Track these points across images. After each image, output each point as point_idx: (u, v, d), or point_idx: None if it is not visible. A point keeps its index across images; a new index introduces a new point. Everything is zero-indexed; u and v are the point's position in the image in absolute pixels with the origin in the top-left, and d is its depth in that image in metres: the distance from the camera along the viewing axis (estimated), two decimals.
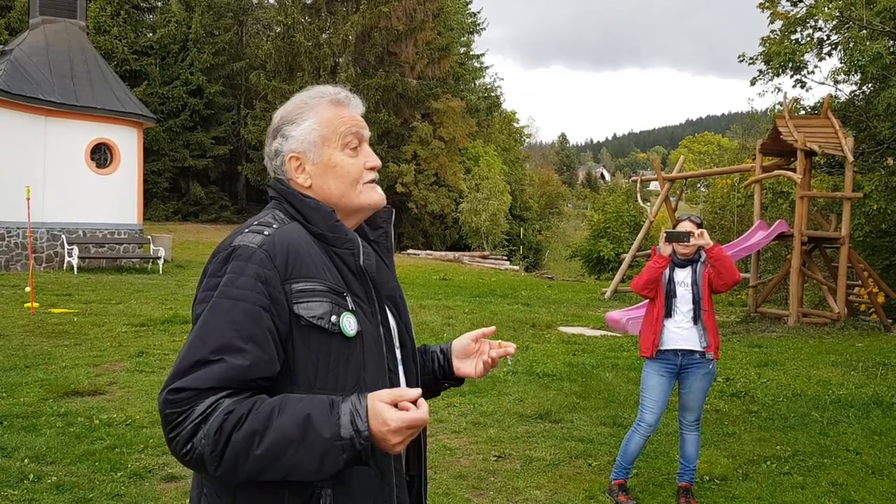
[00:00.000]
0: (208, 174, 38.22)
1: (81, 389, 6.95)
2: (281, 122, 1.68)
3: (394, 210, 1.81)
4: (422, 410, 1.38)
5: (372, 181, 1.68)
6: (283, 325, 1.47)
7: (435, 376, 1.88)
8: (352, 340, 1.52)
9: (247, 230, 1.55)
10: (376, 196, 1.68)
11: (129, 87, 23.76)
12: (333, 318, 1.50)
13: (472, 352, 1.86)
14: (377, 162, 1.69)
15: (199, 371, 1.40)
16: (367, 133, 1.70)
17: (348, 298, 1.55)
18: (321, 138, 1.64)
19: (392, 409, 1.37)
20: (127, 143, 20.48)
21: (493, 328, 1.89)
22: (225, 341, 1.42)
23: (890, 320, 13.86)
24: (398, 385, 1.64)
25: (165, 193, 36.04)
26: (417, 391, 1.40)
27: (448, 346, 1.90)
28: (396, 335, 1.69)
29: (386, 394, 1.39)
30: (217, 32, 38.28)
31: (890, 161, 17.50)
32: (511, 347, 1.87)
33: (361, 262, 1.60)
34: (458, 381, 1.90)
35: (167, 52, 35.91)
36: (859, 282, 14.16)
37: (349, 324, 1.52)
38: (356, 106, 1.72)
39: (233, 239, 1.55)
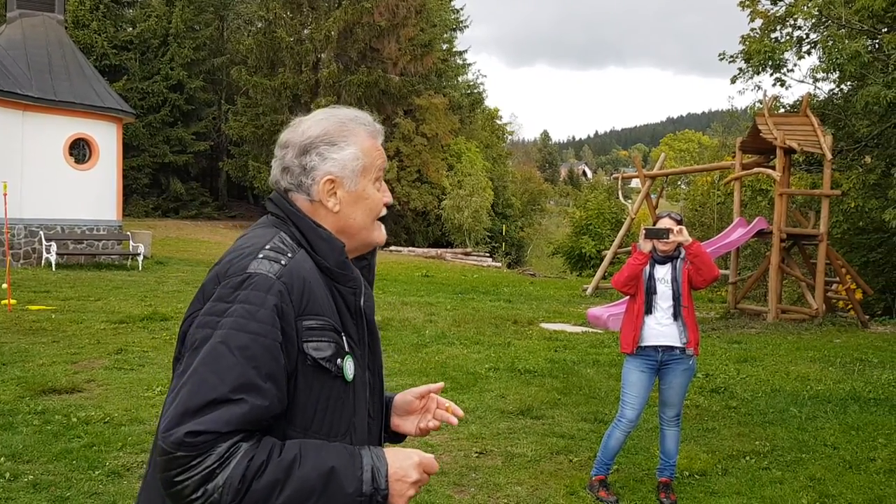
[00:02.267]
0: (188, 170, 37.94)
1: (59, 387, 6.87)
2: (319, 140, 1.58)
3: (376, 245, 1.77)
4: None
5: (382, 218, 1.66)
6: (291, 363, 1.41)
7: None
8: (349, 384, 1.49)
9: (261, 256, 1.45)
10: (382, 235, 1.67)
11: (109, 82, 23.54)
12: (339, 360, 1.46)
13: (415, 409, 1.76)
14: (391, 199, 1.68)
15: (218, 411, 1.31)
16: (386, 167, 1.70)
17: (345, 339, 1.50)
18: (362, 168, 1.60)
19: (417, 469, 1.43)
20: (106, 138, 20.28)
21: (440, 385, 1.79)
22: (246, 380, 1.34)
23: (867, 316, 14.03)
24: (376, 431, 1.65)
25: (145, 189, 35.73)
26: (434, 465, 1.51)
27: (390, 399, 1.78)
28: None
29: (417, 458, 1.45)
30: (198, 27, 37.98)
31: (868, 159, 17.70)
32: (456, 414, 1.74)
33: (362, 304, 1.55)
34: (395, 437, 1.79)
35: (147, 47, 35.56)
36: (837, 278, 14.32)
37: (350, 368, 1.49)
38: (382, 137, 1.71)
39: (246, 264, 1.44)
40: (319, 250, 1.52)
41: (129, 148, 31.08)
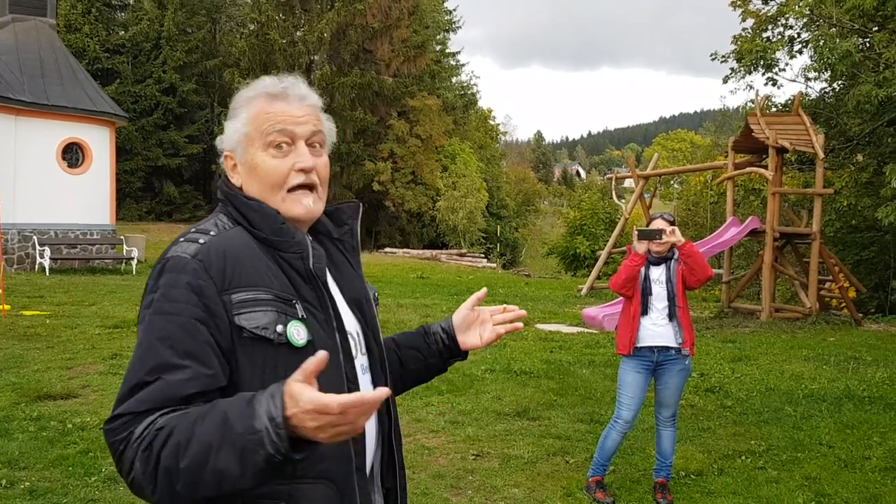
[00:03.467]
0: (182, 173, 37.82)
1: (54, 393, 6.85)
2: (227, 116, 1.60)
3: (360, 205, 1.71)
4: (345, 396, 1.16)
5: (301, 186, 1.52)
6: (225, 339, 1.38)
7: (441, 357, 1.82)
8: (301, 350, 1.40)
9: (182, 239, 1.46)
10: (298, 209, 1.52)
11: (101, 86, 23.46)
12: (279, 327, 1.40)
13: (472, 321, 1.81)
14: (307, 163, 1.51)
15: (136, 394, 1.31)
16: (302, 130, 1.53)
17: (298, 306, 1.44)
18: (246, 137, 1.53)
19: (308, 389, 1.18)
20: (99, 142, 20.23)
21: (483, 291, 1.82)
22: (161, 360, 1.33)
23: (861, 315, 14.09)
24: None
25: (138, 193, 35.62)
26: (354, 397, 1.17)
27: (448, 322, 1.83)
28: (362, 341, 1.60)
29: (299, 373, 1.20)
30: (190, 30, 37.89)
31: (859, 158, 17.78)
32: (515, 312, 1.81)
33: (311, 266, 1.49)
34: (465, 354, 1.84)
35: (139, 50, 35.47)
36: (830, 277, 14.37)
37: (297, 333, 1.41)
38: (297, 98, 1.55)
39: (168, 250, 1.46)
40: (254, 222, 1.49)
41: (122, 152, 30.98)
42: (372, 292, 1.74)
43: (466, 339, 1.80)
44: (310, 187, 1.54)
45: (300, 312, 1.44)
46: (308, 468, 1.37)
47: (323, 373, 1.37)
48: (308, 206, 1.53)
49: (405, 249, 33.16)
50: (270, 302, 1.41)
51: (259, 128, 1.52)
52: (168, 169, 35.95)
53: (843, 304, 14.27)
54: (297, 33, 34.75)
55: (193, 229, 1.49)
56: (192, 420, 1.25)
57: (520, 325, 1.81)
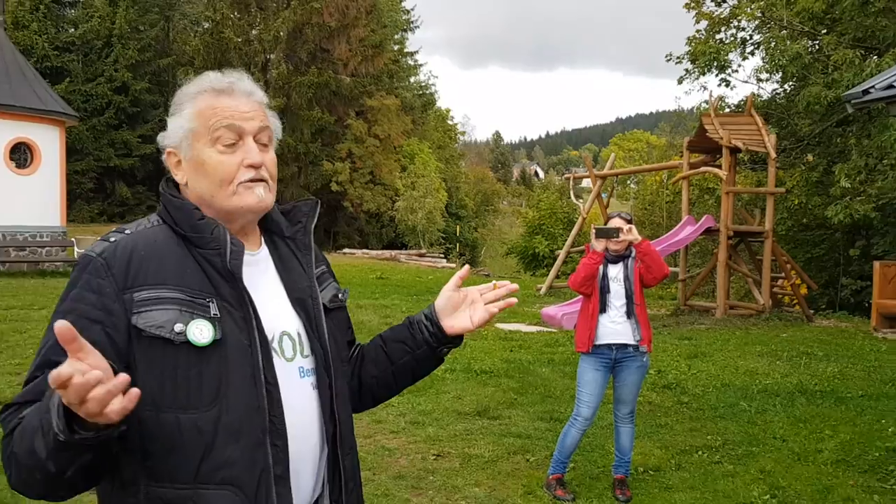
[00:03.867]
0: (135, 174, 37.07)
1: (3, 399, 6.65)
2: (169, 114, 1.55)
3: (318, 203, 1.65)
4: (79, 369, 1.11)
5: (252, 181, 1.48)
6: (121, 339, 1.34)
7: (429, 346, 1.71)
8: (205, 350, 1.35)
9: (100, 239, 1.45)
10: (250, 198, 1.48)
11: (51, 85, 22.89)
12: (178, 326, 1.34)
13: (458, 302, 1.69)
14: (256, 158, 1.48)
15: (25, 388, 1.34)
16: (250, 126, 1.49)
17: (213, 304, 1.39)
18: (191, 133, 1.49)
19: (63, 364, 1.13)
20: (48, 142, 19.72)
21: (466, 268, 1.73)
22: (47, 357, 1.33)
23: (812, 311, 14.41)
24: (278, 399, 1.42)
25: (90, 194, 34.83)
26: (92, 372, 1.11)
27: (431, 308, 1.72)
28: (304, 342, 1.52)
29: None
30: (142, 28, 37.17)
31: (810, 157, 18.23)
32: (507, 287, 1.70)
33: (228, 263, 1.43)
34: (458, 340, 1.72)
35: (90, 49, 34.68)
36: (783, 274, 14.68)
37: (199, 332, 1.35)
38: (244, 93, 1.52)
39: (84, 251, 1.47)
40: (176, 219, 1.47)
41: (73, 152, 30.28)
42: (342, 293, 1.69)
43: (454, 323, 1.68)
44: (265, 180, 1.51)
45: (213, 311, 1.39)
46: (211, 474, 1.33)
47: (234, 374, 1.38)
48: (260, 195, 1.49)
49: (364, 250, 33.01)
50: (174, 300, 1.37)
51: (205, 123, 1.48)
52: (121, 169, 35.23)
53: (795, 301, 14.59)
54: (253, 32, 34.37)
55: (115, 228, 1.49)
56: (37, 407, 1.25)
57: (513, 300, 1.70)
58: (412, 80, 46.83)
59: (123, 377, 1.15)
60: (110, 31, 34.86)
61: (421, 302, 15.40)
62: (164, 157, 1.54)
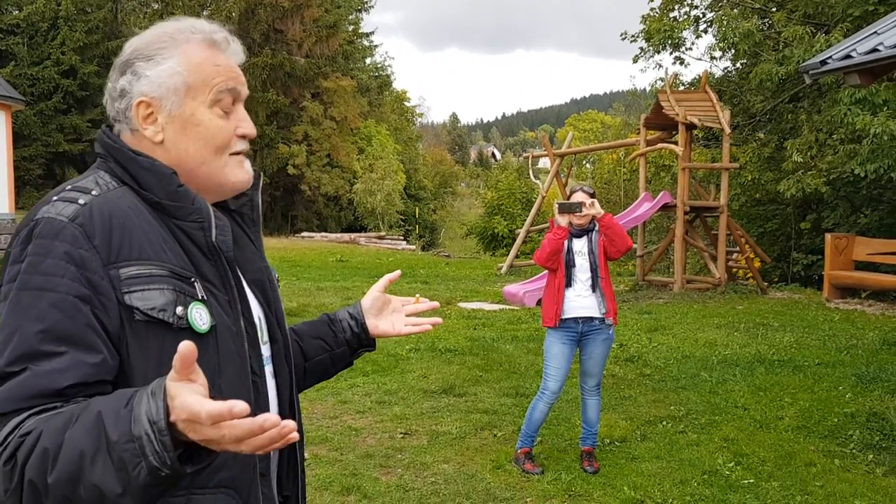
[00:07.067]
0: (85, 159, 36.12)
1: None
2: (134, 55, 1.30)
3: (261, 175, 1.45)
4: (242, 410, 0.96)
5: (240, 153, 1.33)
6: (112, 322, 1.14)
7: (349, 346, 1.63)
8: (203, 337, 1.19)
9: (55, 198, 1.19)
10: (243, 174, 1.33)
11: None
12: (179, 309, 1.17)
13: (383, 305, 1.65)
14: (251, 130, 1.34)
15: None
16: (244, 91, 1.35)
17: (197, 285, 1.22)
18: (186, 86, 1.27)
19: (183, 390, 0.97)
20: None
21: (397, 273, 1.70)
22: (28, 347, 1.08)
23: (766, 283, 14.71)
24: (264, 392, 1.31)
25: (39, 181, 33.88)
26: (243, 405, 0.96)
27: (357, 308, 1.64)
28: (265, 328, 1.38)
29: (173, 368, 0.99)
30: (90, 10, 36.08)
31: (761, 136, 18.55)
32: (427, 304, 1.68)
33: (214, 239, 1.26)
34: (373, 343, 1.66)
35: (35, 31, 33.58)
36: (737, 248, 14.94)
37: (199, 316, 1.20)
38: (235, 53, 1.36)
39: (36, 210, 1.18)
40: (144, 182, 1.24)
41: (20, 137, 29.38)
42: (273, 274, 1.53)
43: (378, 324, 1.63)
44: (247, 155, 1.37)
45: (200, 293, 1.22)
46: (208, 477, 1.18)
47: (226, 364, 1.23)
48: (250, 172, 1.36)
49: (323, 233, 32.76)
50: (166, 279, 1.18)
51: (206, 80, 1.29)
52: (70, 155, 34.35)
53: (750, 275, 14.88)
54: (204, 13, 33.59)
55: (69, 186, 1.22)
56: (64, 421, 1.02)
57: (428, 327, 1.64)
58: (368, 61, 46.40)
59: (292, 424, 1.00)
60: (56, 12, 33.80)
61: None
62: (125, 104, 1.29)
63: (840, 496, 4.46)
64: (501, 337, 9.19)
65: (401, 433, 5.59)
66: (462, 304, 12.20)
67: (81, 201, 1.19)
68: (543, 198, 18.66)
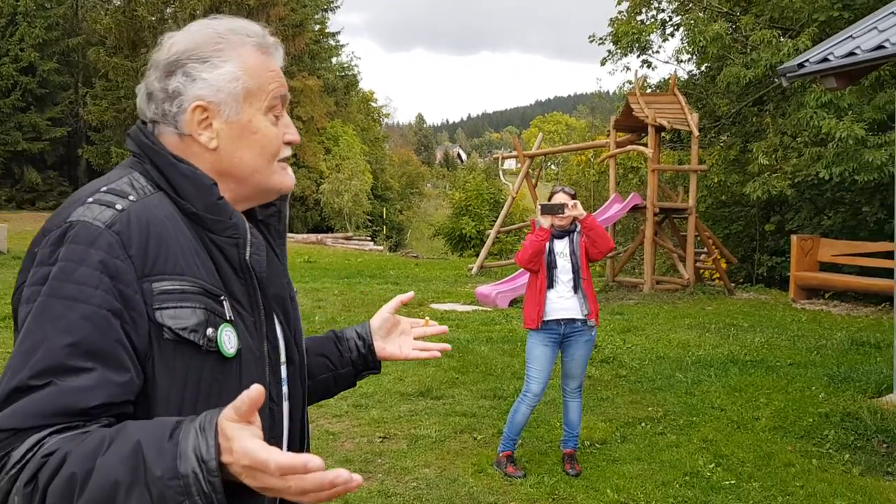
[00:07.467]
0: (45, 158, 35.34)
1: None
2: (186, 55, 1.22)
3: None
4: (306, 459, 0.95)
5: (286, 159, 1.30)
6: (141, 339, 1.08)
7: (354, 366, 1.56)
8: (229, 362, 1.15)
9: (91, 200, 1.13)
10: (288, 179, 1.30)
11: None
12: (210, 331, 1.12)
13: (392, 326, 1.59)
14: (297, 137, 1.31)
15: (17, 403, 1.00)
16: (287, 98, 1.31)
17: (226, 303, 1.17)
18: (245, 92, 1.23)
19: (244, 434, 0.94)
20: None
21: (410, 294, 1.64)
22: (55, 360, 1.02)
23: (733, 284, 14.89)
24: (280, 418, 1.27)
25: None
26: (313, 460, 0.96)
27: (365, 328, 1.58)
28: (283, 349, 1.32)
29: (233, 410, 0.95)
30: (49, 6, 35.27)
31: (724, 138, 18.81)
32: (436, 328, 1.63)
33: (247, 257, 1.21)
34: (378, 366, 1.60)
35: None
36: (705, 250, 15.10)
37: (228, 339, 1.15)
38: (281, 58, 1.33)
39: (69, 212, 1.12)
40: (183, 191, 1.18)
41: None
42: (293, 291, 1.50)
43: (386, 346, 1.58)
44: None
45: (228, 312, 1.16)
46: None
47: (249, 385, 1.12)
48: (293, 177, 1.33)
49: (289, 234, 32.43)
50: (198, 297, 1.13)
51: (263, 86, 1.25)
52: (29, 154, 33.52)
53: (716, 275, 15.03)
54: (168, 10, 33.06)
55: (104, 188, 1.15)
56: (94, 445, 0.96)
57: (437, 353, 1.60)
58: (334, 61, 46.10)
59: (358, 479, 0.99)
60: (14, 8, 33.00)
61: (353, 284, 15.23)
62: (177, 106, 1.22)
63: (820, 496, 4.49)
64: (476, 338, 9.15)
65: (379, 437, 5.51)
66: (434, 306, 12.14)
67: (119, 206, 1.13)
68: (513, 198, 18.67)
